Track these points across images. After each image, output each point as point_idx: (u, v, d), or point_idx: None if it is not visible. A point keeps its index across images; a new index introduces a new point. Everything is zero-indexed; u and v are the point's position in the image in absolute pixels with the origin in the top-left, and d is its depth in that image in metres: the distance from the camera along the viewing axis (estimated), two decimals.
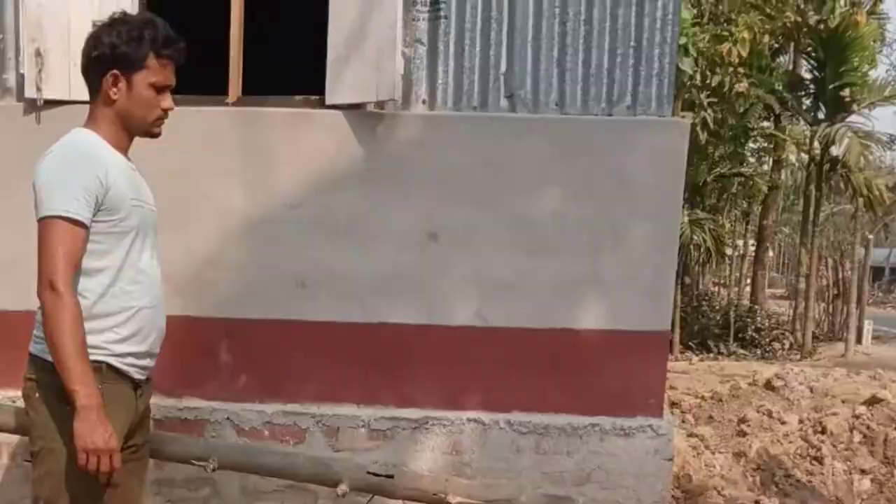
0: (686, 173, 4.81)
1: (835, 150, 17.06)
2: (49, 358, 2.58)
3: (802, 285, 19.41)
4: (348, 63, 4.38)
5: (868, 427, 6.85)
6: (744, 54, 12.52)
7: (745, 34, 12.35)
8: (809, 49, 18.03)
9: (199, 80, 4.15)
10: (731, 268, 26.75)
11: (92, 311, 2.65)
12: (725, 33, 12.70)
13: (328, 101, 4.53)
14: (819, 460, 6.57)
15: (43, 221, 2.58)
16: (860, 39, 16.76)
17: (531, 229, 4.50)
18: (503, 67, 4.53)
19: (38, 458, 2.71)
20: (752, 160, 23.27)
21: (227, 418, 4.57)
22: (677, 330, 17.38)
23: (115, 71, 2.72)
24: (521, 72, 4.52)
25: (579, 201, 4.49)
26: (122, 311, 2.73)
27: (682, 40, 10.53)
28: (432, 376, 4.57)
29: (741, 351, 17.99)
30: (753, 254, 23.46)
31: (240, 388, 4.62)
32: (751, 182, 19.57)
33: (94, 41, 2.75)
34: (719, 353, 17.82)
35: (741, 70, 13.83)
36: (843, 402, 8.69)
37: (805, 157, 20.02)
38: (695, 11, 12.60)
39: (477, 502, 3.52)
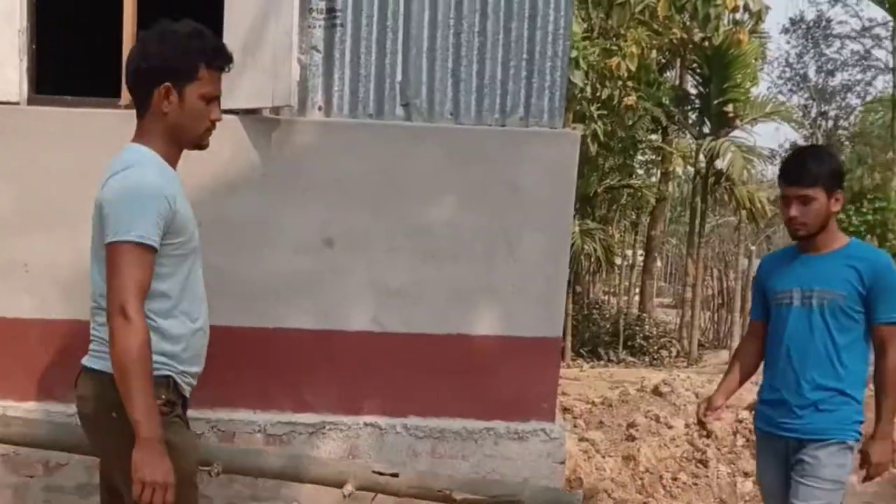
0: (577, 184, 4.93)
1: (719, 164, 17.58)
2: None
3: (689, 295, 19.86)
4: (244, 68, 4.36)
5: (750, 431, 7.03)
6: (632, 68, 12.76)
7: (634, 49, 12.60)
8: (695, 65, 18.52)
9: (92, 82, 4.09)
10: (620, 277, 27.16)
11: (158, 333, 2.59)
12: (614, 48, 12.92)
13: (223, 105, 4.49)
14: (704, 463, 6.71)
15: (115, 246, 2.50)
16: (743, 57, 17.27)
17: (426, 237, 4.55)
18: (399, 76, 4.57)
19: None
20: (640, 172, 23.77)
21: None
22: (569, 338, 17.59)
23: (167, 83, 2.65)
24: (417, 81, 4.57)
25: (473, 210, 4.56)
26: (186, 333, 2.69)
27: (573, 54, 10.70)
28: (329, 381, 4.58)
29: (630, 358, 18.29)
30: (642, 264, 23.91)
31: None
32: (639, 193, 19.97)
33: (142, 53, 2.69)
34: (609, 360, 18.08)
35: (630, 84, 14.10)
36: (726, 407, 8.95)
37: (691, 169, 20.52)
38: (585, 26, 12.80)
39: (481, 497, 3.56)
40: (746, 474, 6.69)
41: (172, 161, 2.75)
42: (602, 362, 17.78)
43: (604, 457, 6.88)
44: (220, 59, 2.75)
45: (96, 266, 2.65)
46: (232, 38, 4.42)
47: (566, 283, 4.88)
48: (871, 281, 3.51)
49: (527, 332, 4.65)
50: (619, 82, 13.50)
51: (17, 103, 4.53)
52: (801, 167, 3.60)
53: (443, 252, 4.56)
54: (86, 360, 2.69)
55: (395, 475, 3.57)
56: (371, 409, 4.61)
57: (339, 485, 3.54)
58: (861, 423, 3.60)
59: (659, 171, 21.73)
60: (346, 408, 4.59)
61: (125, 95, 4.59)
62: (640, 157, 21.82)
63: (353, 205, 4.48)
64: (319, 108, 4.55)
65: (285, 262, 4.50)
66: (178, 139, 2.74)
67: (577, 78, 11.16)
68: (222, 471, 3.49)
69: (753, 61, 18.39)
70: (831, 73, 48.62)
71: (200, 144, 2.82)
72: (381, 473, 3.56)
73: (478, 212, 4.56)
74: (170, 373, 2.64)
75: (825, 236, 3.62)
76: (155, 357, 2.52)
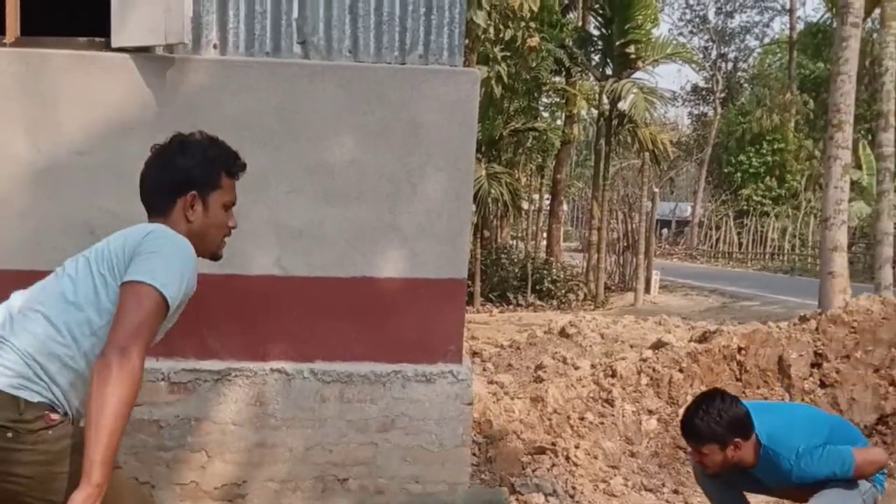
0: (482, 127, 4.90)
1: (622, 106, 17.81)
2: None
3: (594, 238, 20.17)
4: (135, 4, 4.20)
5: (654, 370, 7.16)
6: (534, 9, 12.79)
7: None
8: (597, 6, 18.68)
9: None
10: (528, 221, 27.46)
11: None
12: None
13: (114, 43, 4.34)
14: (610, 402, 6.82)
15: (143, 286, 2.46)
16: None
17: (328, 177, 4.48)
18: (295, 13, 4.46)
19: None
20: (546, 115, 23.92)
21: None
22: (478, 283, 17.76)
23: (193, 192, 2.69)
24: (314, 18, 4.46)
25: (375, 149, 4.50)
26: None
27: None
28: (233, 327, 4.50)
29: (539, 302, 18.56)
30: (549, 208, 24.16)
31: None
32: (545, 136, 20.15)
33: (166, 165, 2.72)
34: (518, 304, 18.33)
35: (533, 25, 14.15)
36: (631, 347, 9.13)
37: (595, 112, 20.75)
38: None
39: None
40: (651, 412, 6.83)
41: None
42: (511, 307, 18.03)
43: (512, 399, 6.94)
44: (237, 167, 2.83)
45: (74, 288, 2.59)
46: None
47: (470, 222, 4.85)
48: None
49: (432, 274, 4.63)
50: (522, 23, 13.52)
51: None
52: (690, 428, 3.90)
53: (345, 192, 4.50)
54: None
55: None
56: (277, 355, 4.56)
57: None
58: None
59: (563, 114, 21.93)
60: (252, 354, 4.53)
61: (11, 32, 4.39)
62: (544, 100, 21.96)
63: (251, 144, 4.33)
64: (214, 46, 4.42)
65: None
66: (198, 246, 2.70)
67: (480, 18, 11.13)
68: None
69: (654, 2, 18.63)
70: (730, 15, 49.74)
71: (216, 254, 2.87)
72: None
73: (379, 151, 4.50)
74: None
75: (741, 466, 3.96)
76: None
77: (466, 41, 13.63)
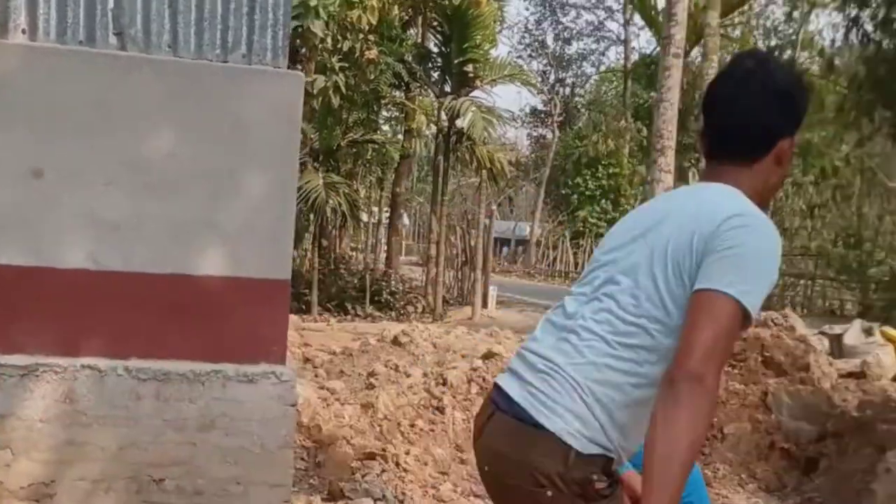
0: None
1: (460, 123, 18.12)
2: (592, 451, 2.13)
3: (433, 252, 20.43)
4: None
5: (484, 379, 7.34)
6: (373, 22, 12.91)
7: (374, 2, 12.75)
8: (436, 23, 18.97)
9: None
10: (367, 233, 27.58)
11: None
12: (355, 0, 13.01)
13: None
14: (441, 410, 6.96)
15: (721, 297, 2.03)
16: (482, 19, 17.87)
17: (145, 171, 4.42)
18: (111, 3, 4.38)
19: None
20: (386, 128, 24.12)
21: None
22: (315, 292, 17.73)
23: (792, 137, 2.30)
24: (131, 9, 4.40)
25: (195, 146, 4.47)
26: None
27: (313, 2, 10.67)
28: (42, 321, 4.37)
29: (377, 313, 18.66)
30: (388, 220, 24.35)
31: None
32: (384, 150, 20.30)
33: (780, 95, 2.27)
34: (356, 314, 18.37)
35: (372, 37, 14.28)
36: (462, 356, 9.29)
37: (435, 128, 21.05)
38: None
39: None
40: None
41: None
42: (349, 317, 18.04)
43: (343, 404, 6.98)
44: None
45: (642, 280, 2.21)
46: None
47: (293, 223, 4.88)
48: None
49: (255, 274, 4.63)
50: (361, 35, 13.63)
51: None
52: None
53: (164, 187, 4.45)
54: (527, 406, 2.21)
55: None
56: (89, 351, 4.44)
57: None
58: None
59: (403, 128, 22.15)
60: (62, 349, 4.40)
61: None
62: (385, 114, 22.14)
63: (64, 135, 4.27)
64: (23, 31, 4.29)
65: None
66: (765, 197, 2.35)
67: (317, 27, 11.17)
68: None
69: (492, 23, 19.07)
70: (568, 42, 51.42)
71: (767, 204, 2.48)
72: None
73: (200, 147, 4.48)
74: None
75: None
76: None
77: (304, 49, 13.67)
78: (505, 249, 53.53)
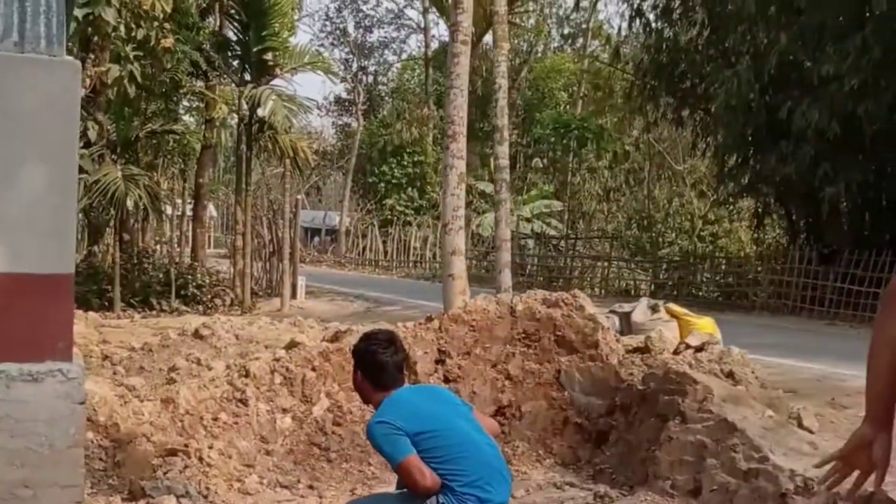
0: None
1: (261, 112, 17.94)
2: None
3: (240, 243, 20.18)
4: None
5: (287, 369, 7.33)
6: (167, 10, 12.62)
7: None
8: (233, 11, 18.71)
9: None
10: (172, 226, 26.95)
11: None
12: None
13: None
14: (244, 402, 6.91)
15: None
16: (279, 6, 17.77)
17: None
18: None
19: None
20: (189, 119, 23.60)
21: None
22: (117, 287, 17.24)
23: None
24: None
25: None
26: None
27: None
28: None
29: (184, 307, 18.31)
30: (192, 212, 23.87)
31: None
32: (185, 140, 19.86)
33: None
34: (162, 309, 17.99)
35: (167, 26, 13.94)
36: (266, 347, 9.29)
37: (237, 117, 20.78)
38: None
39: None
40: (285, 411, 6.99)
41: None
42: (155, 312, 17.64)
43: (142, 401, 6.85)
44: None
45: None
46: None
47: (76, 216, 4.77)
48: None
49: (35, 269, 4.49)
50: (156, 23, 13.28)
51: None
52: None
53: None
54: None
55: None
56: None
57: None
58: None
59: (203, 118, 21.74)
60: None
61: None
62: (185, 103, 21.66)
63: None
64: None
65: None
66: None
67: (109, 15, 10.85)
68: None
69: (291, 11, 18.97)
70: (369, 30, 51.59)
71: None
72: None
73: None
74: None
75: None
76: None
77: (96, 38, 13.22)
78: (316, 239, 53.29)
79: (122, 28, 12.20)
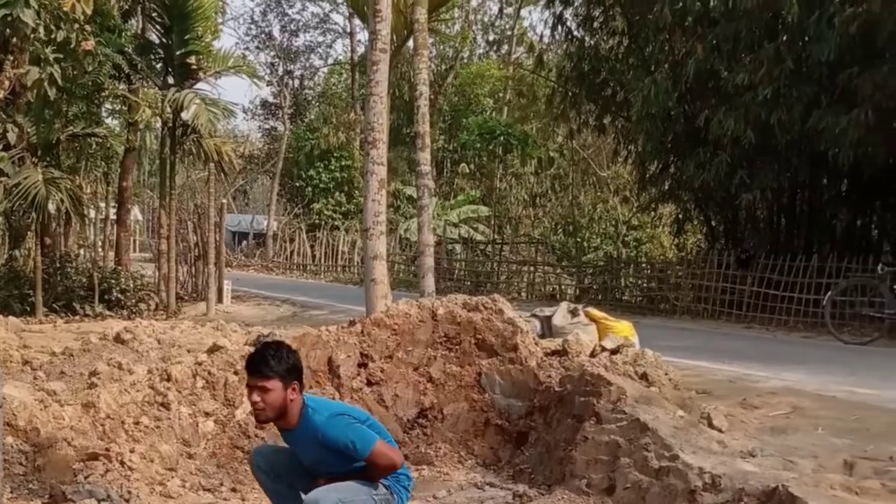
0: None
1: (185, 115, 17.80)
2: None
3: (165, 247, 19.98)
4: None
5: (209, 373, 7.36)
6: (88, 12, 12.49)
7: None
8: (156, 14, 18.55)
9: None
10: (95, 230, 26.55)
11: None
12: None
13: None
14: (166, 406, 6.94)
15: None
16: (202, 10, 17.67)
17: None
18: None
19: None
20: (113, 122, 23.28)
21: None
22: (39, 292, 16.99)
23: None
24: None
25: None
26: None
27: None
28: None
29: (108, 312, 18.08)
30: (116, 216, 23.55)
31: None
32: (108, 143, 19.59)
33: None
34: (86, 314, 17.75)
35: (88, 28, 13.77)
36: (189, 351, 9.28)
37: (161, 121, 20.58)
38: None
39: None
40: (207, 414, 7.03)
41: None
42: (78, 317, 17.40)
43: (63, 406, 6.82)
44: None
45: None
46: None
47: None
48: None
49: None
50: (77, 25, 13.12)
51: None
52: (261, 362, 4.41)
53: None
54: None
55: None
56: None
57: None
58: None
59: (126, 121, 21.48)
60: None
61: None
62: (108, 106, 21.38)
63: None
64: None
65: None
66: None
67: (28, 17, 10.70)
68: None
69: (213, 14, 18.85)
70: (295, 34, 51.22)
71: None
72: None
73: None
74: None
75: (287, 419, 4.47)
76: None
77: (14, 40, 13.03)
78: (244, 243, 52.84)
79: (41, 30, 12.00)
